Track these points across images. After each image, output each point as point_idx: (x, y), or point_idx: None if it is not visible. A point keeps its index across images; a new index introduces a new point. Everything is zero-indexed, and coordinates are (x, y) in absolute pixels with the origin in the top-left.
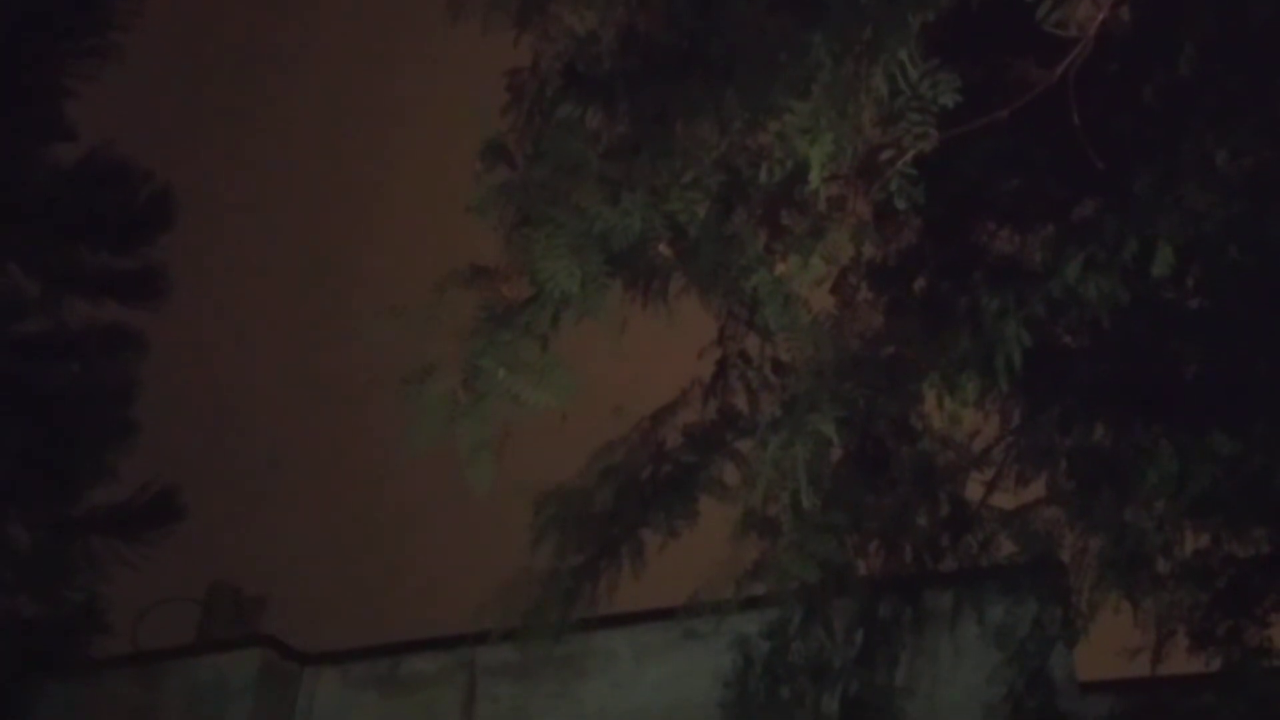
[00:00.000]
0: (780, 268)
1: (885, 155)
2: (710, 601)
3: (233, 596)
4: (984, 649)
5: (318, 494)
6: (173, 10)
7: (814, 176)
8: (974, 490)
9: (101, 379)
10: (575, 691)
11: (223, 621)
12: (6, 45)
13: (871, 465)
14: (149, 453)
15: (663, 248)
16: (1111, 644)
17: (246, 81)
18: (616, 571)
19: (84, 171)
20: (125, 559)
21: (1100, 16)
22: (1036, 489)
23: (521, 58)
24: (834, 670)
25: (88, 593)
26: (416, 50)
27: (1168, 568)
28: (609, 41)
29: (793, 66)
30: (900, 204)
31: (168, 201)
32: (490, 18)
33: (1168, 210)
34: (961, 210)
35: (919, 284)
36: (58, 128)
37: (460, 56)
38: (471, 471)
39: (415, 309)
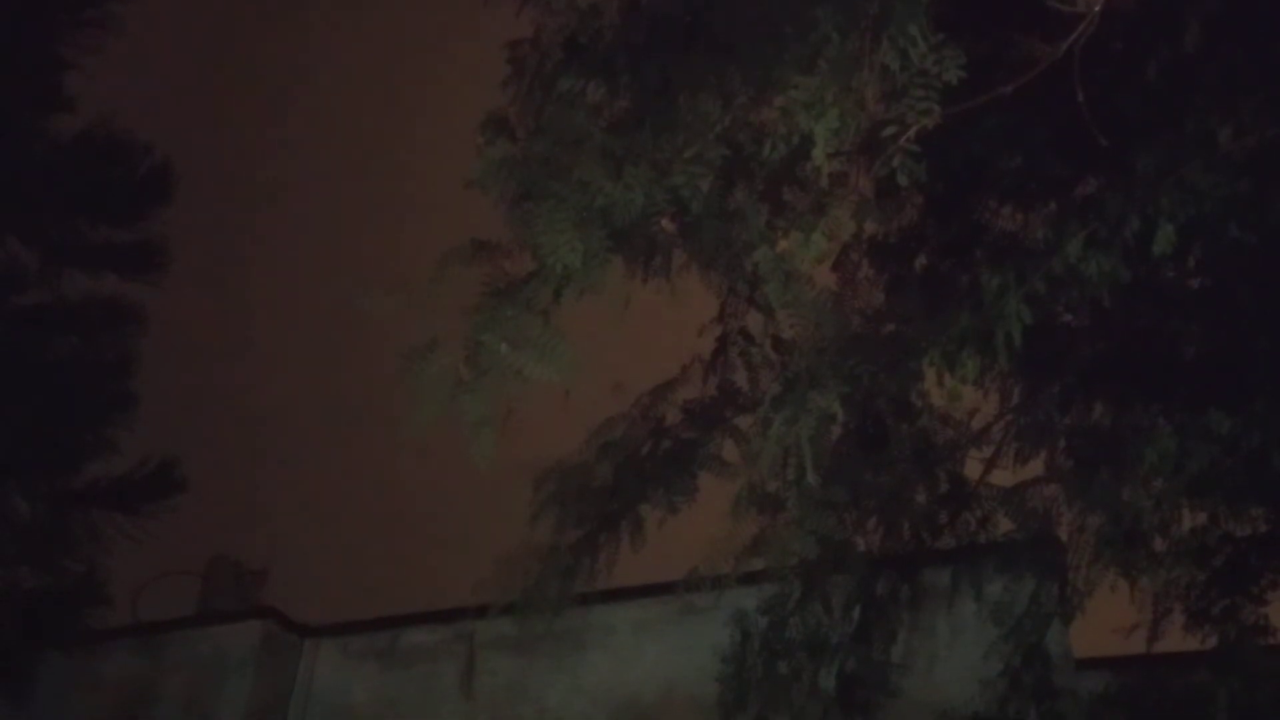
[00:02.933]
0: (782, 244)
1: (888, 131)
2: (709, 577)
3: (233, 569)
4: (981, 625)
5: (319, 467)
6: None
7: (818, 152)
8: (973, 468)
9: (101, 352)
10: (574, 666)
11: (223, 594)
12: (6, 17)
13: (871, 442)
14: (149, 426)
15: (665, 223)
16: (1108, 621)
17: (246, 54)
18: (615, 547)
19: (83, 144)
20: (125, 532)
21: None
22: (1035, 467)
23: (523, 29)
24: (832, 646)
25: (88, 565)
26: (419, 22)
27: (1165, 546)
28: (611, 14)
29: (798, 41)
30: (903, 180)
31: (167, 175)
32: None
33: (1170, 188)
34: (964, 187)
35: (920, 261)
36: (57, 100)
37: (462, 28)
38: (474, 447)
39: (417, 284)
